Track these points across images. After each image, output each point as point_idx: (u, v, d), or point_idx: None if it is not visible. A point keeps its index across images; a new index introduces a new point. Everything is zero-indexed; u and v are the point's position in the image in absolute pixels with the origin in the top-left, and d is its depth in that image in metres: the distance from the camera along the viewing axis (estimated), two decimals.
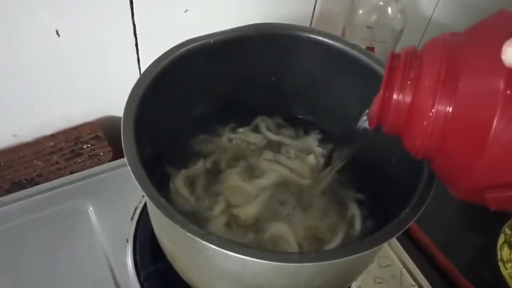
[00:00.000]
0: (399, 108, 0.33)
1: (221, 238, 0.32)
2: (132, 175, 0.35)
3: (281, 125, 0.56)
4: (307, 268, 0.34)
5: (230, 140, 0.53)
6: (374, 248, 0.33)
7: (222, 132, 0.54)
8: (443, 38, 0.33)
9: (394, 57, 0.34)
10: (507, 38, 0.27)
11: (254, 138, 0.54)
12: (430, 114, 0.31)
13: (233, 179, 0.50)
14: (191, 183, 0.49)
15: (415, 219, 0.34)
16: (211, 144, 0.53)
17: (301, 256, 0.32)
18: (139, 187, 0.34)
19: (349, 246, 0.33)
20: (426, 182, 0.37)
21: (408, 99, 0.32)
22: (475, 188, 0.30)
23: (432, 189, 0.36)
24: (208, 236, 0.32)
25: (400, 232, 0.33)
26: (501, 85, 0.27)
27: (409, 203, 0.35)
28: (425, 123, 0.31)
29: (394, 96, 0.33)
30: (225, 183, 0.49)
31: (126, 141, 0.37)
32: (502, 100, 0.27)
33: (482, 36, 0.31)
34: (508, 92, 0.27)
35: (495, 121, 0.27)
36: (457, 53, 0.31)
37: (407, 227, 0.33)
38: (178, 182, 0.48)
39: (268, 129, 0.55)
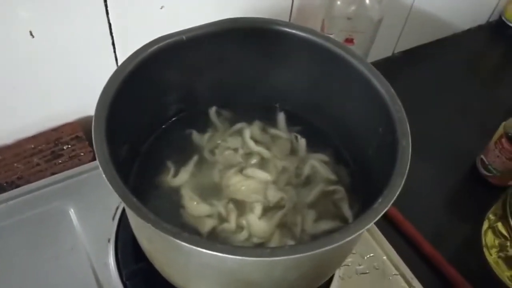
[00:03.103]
0: None
1: (193, 236, 0.32)
2: (104, 176, 0.35)
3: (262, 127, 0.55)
4: (281, 262, 0.34)
5: (212, 151, 0.52)
6: (347, 239, 0.33)
7: (200, 142, 0.53)
8: None
9: None
10: None
11: (234, 143, 0.53)
12: None
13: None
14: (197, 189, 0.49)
15: (386, 209, 0.34)
16: (191, 145, 0.52)
17: (273, 250, 0.32)
18: (110, 188, 0.34)
19: (321, 239, 0.33)
20: (398, 172, 0.37)
21: None
22: None
23: (403, 179, 0.36)
24: (180, 234, 0.32)
25: (372, 223, 0.34)
26: None
27: (382, 194, 0.35)
28: None
29: None
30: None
31: (98, 142, 0.37)
32: None
33: None
34: None
35: None
36: None
37: (378, 218, 0.33)
38: (188, 189, 0.48)
39: (252, 136, 0.53)
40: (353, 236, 0.34)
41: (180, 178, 0.49)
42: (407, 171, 0.37)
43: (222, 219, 0.46)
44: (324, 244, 0.33)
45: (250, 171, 0.50)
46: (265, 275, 0.36)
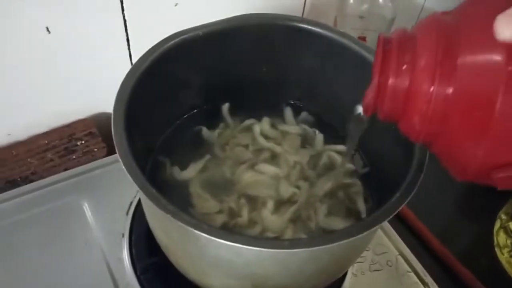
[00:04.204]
0: (396, 93, 0.31)
1: (212, 226, 0.33)
2: (124, 167, 0.35)
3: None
4: (299, 254, 0.34)
5: (222, 147, 0.52)
6: (365, 233, 0.33)
7: (210, 138, 0.52)
8: (436, 18, 0.32)
9: (385, 41, 0.33)
10: (499, 12, 0.26)
11: (245, 139, 0.53)
12: (430, 97, 0.30)
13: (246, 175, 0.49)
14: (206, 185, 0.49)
15: (404, 204, 0.34)
16: (203, 142, 0.53)
17: (292, 242, 0.32)
18: (131, 179, 0.34)
19: (340, 231, 0.33)
20: (416, 167, 0.37)
21: (405, 83, 0.31)
22: (481, 169, 0.29)
23: (422, 174, 0.36)
24: (199, 225, 0.32)
25: (390, 217, 0.34)
26: (502, 60, 0.27)
27: (400, 188, 0.35)
28: (424, 107, 0.30)
29: (390, 81, 0.31)
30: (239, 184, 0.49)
31: (117, 134, 0.37)
32: (504, 76, 0.26)
33: (476, 12, 0.30)
34: (510, 68, 0.26)
35: (499, 98, 0.27)
36: (452, 32, 0.30)
37: (396, 212, 0.33)
38: (196, 187, 0.48)
39: (262, 132, 0.53)
40: (371, 230, 0.34)
41: (189, 172, 0.49)
42: (425, 166, 0.36)
43: (233, 215, 0.46)
44: (343, 237, 0.33)
45: (261, 166, 0.50)
46: (282, 267, 0.36)
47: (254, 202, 0.47)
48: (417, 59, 0.31)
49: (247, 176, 0.49)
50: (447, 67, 0.29)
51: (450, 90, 0.29)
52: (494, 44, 0.27)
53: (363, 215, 0.47)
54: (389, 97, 0.32)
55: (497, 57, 0.27)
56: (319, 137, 0.53)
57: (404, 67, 0.31)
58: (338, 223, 0.46)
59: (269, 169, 0.50)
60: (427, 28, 0.32)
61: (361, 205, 0.47)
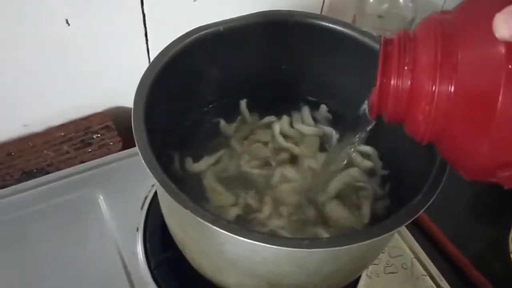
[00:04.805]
0: (399, 94, 0.32)
1: (230, 223, 0.32)
2: (143, 161, 0.35)
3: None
4: (317, 254, 0.34)
5: (240, 141, 0.52)
6: (386, 234, 0.32)
7: (228, 131, 0.52)
8: (435, 17, 0.32)
9: (387, 42, 0.33)
10: (498, 10, 0.26)
11: (264, 136, 0.53)
12: (432, 96, 0.30)
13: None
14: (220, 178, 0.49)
15: (427, 206, 0.34)
16: (219, 136, 0.52)
17: (311, 242, 0.32)
18: (150, 173, 0.34)
19: (360, 232, 0.33)
20: (438, 169, 0.36)
21: (407, 84, 0.31)
22: (485, 168, 0.30)
23: (444, 175, 0.35)
24: (218, 221, 0.32)
25: (412, 219, 0.33)
26: (502, 58, 0.27)
27: (422, 190, 0.35)
28: (427, 106, 0.30)
29: (392, 82, 0.32)
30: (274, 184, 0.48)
31: (137, 128, 0.37)
32: (505, 74, 0.26)
33: (475, 11, 0.30)
34: (510, 66, 0.26)
35: (500, 95, 0.27)
36: (452, 31, 0.30)
37: (418, 214, 0.33)
38: (211, 180, 0.48)
39: (282, 131, 0.53)
40: (392, 232, 0.33)
41: (203, 164, 0.49)
42: (448, 168, 0.36)
43: (248, 210, 0.46)
44: (363, 237, 0.32)
45: (287, 171, 0.49)
46: (299, 267, 0.36)
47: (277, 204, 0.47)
48: (417, 59, 0.31)
49: (282, 184, 0.48)
50: (448, 66, 0.29)
51: (451, 89, 0.29)
52: (493, 42, 0.27)
53: (366, 221, 0.46)
54: (391, 98, 0.32)
55: (496, 55, 0.27)
56: (336, 138, 0.52)
57: (405, 68, 0.31)
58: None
59: (292, 174, 0.49)
60: (427, 28, 0.32)
61: (366, 210, 0.46)
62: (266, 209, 0.45)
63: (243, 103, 0.54)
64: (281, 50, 0.50)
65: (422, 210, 0.33)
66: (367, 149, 0.51)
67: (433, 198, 0.34)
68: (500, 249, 0.61)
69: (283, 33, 0.49)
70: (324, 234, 0.44)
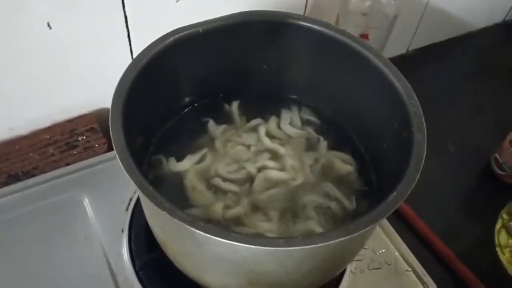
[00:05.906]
0: None
1: (207, 224, 0.33)
2: (121, 164, 0.35)
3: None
4: (294, 252, 0.34)
5: (224, 143, 0.52)
6: (360, 232, 0.33)
7: (214, 132, 0.52)
8: None
9: None
10: None
11: (249, 140, 0.52)
12: None
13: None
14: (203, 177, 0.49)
15: (400, 203, 0.34)
16: (202, 136, 0.52)
17: (286, 241, 0.32)
18: (127, 176, 0.34)
19: (335, 230, 0.33)
20: (413, 166, 0.36)
21: None
22: None
23: (418, 173, 0.36)
24: (195, 222, 0.32)
25: (385, 217, 0.34)
26: None
27: (396, 187, 0.35)
28: None
29: None
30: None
31: (115, 131, 0.37)
32: None
33: None
34: None
35: None
36: None
37: (391, 211, 0.33)
38: (193, 178, 0.48)
39: (269, 132, 0.53)
40: (367, 228, 0.34)
41: (184, 164, 0.49)
42: (422, 166, 0.36)
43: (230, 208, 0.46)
44: (338, 235, 0.33)
45: (271, 172, 0.49)
46: (278, 265, 0.36)
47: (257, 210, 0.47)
48: None
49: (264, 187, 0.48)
50: None
51: None
52: None
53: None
54: None
55: None
56: (323, 144, 0.52)
57: None
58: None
59: (278, 175, 0.49)
60: None
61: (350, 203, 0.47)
62: (241, 209, 0.45)
63: (234, 106, 0.54)
64: (262, 50, 0.50)
65: (395, 208, 0.34)
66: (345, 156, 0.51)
67: (407, 195, 0.34)
68: (487, 243, 0.62)
69: (263, 33, 0.49)
70: (318, 229, 0.44)
